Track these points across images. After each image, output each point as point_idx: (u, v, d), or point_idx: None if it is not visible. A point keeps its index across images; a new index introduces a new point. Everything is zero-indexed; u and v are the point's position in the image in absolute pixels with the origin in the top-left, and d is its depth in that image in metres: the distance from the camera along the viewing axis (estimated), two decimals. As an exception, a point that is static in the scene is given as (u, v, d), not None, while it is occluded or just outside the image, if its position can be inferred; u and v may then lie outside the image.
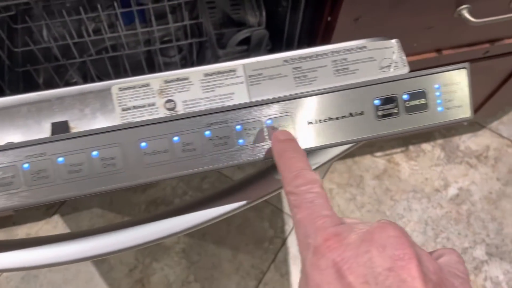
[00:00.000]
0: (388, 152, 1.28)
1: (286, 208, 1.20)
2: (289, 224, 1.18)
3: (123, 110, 0.33)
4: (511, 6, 0.70)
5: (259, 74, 0.34)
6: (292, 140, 0.31)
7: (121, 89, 0.33)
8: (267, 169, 0.40)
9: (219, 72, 0.34)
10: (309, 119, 0.33)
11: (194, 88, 0.33)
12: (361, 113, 0.33)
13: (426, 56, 0.80)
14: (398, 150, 1.28)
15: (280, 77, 0.34)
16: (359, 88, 0.33)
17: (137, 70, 0.92)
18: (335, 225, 0.24)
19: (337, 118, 0.33)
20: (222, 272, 1.13)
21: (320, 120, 0.33)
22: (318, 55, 0.35)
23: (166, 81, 0.33)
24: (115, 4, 0.82)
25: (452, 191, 1.23)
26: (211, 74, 0.34)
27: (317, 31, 0.71)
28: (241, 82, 0.34)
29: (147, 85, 0.33)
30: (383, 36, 0.70)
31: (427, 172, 1.25)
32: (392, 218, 1.18)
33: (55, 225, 1.15)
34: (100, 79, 0.99)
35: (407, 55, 0.79)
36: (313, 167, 0.38)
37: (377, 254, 0.22)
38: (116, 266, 1.12)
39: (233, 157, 0.32)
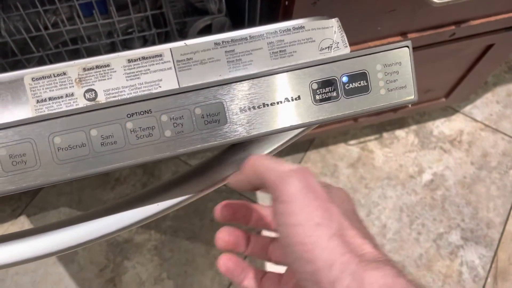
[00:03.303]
0: (362, 140, 1.27)
1: (260, 200, 1.18)
2: (263, 216, 1.15)
3: (38, 102, 0.30)
4: (474, -15, 0.68)
5: (189, 59, 0.31)
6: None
7: (34, 79, 0.30)
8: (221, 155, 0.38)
9: (143, 58, 0.31)
10: (242, 106, 0.30)
11: (117, 75, 0.31)
12: (298, 98, 0.31)
13: (391, 40, 0.78)
14: (372, 137, 1.27)
15: (212, 61, 0.32)
16: (295, 71, 0.31)
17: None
18: None
19: (272, 104, 0.30)
20: (196, 268, 1.10)
21: (254, 107, 0.30)
22: (252, 37, 0.32)
23: (85, 69, 0.30)
24: (73, -6, 0.78)
25: (427, 177, 1.22)
26: (135, 60, 0.31)
27: (277, 16, 0.68)
28: (169, 68, 0.31)
29: (64, 73, 0.30)
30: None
31: (401, 158, 1.24)
32: (367, 206, 1.17)
33: (22, 226, 1.11)
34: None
35: (372, 39, 0.78)
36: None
37: None
38: (86, 266, 1.08)
39: (160, 150, 0.29)
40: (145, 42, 0.98)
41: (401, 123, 1.28)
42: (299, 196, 0.27)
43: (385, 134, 1.27)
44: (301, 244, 0.26)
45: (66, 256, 1.09)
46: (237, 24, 0.87)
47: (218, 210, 0.37)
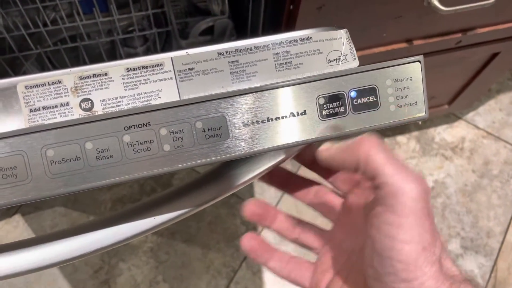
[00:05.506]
0: (362, 145, 1.25)
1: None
2: (261, 220, 1.14)
3: (31, 111, 0.29)
4: (482, -7, 0.67)
5: (191, 69, 0.30)
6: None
7: (27, 87, 0.28)
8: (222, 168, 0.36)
9: (143, 67, 0.30)
10: (245, 120, 0.29)
11: (115, 85, 0.29)
12: (304, 113, 0.29)
13: (396, 47, 0.76)
14: (373, 142, 1.25)
15: (215, 72, 0.30)
16: (301, 85, 0.29)
17: (98, 62, 0.88)
18: None
19: (277, 119, 0.29)
20: (192, 271, 1.09)
21: (257, 122, 0.29)
22: (257, 47, 0.31)
23: (81, 77, 0.29)
24: (73, -9, 0.77)
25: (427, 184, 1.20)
26: (134, 69, 0.29)
27: (281, 20, 0.67)
28: (170, 78, 0.30)
29: (59, 82, 0.29)
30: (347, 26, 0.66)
31: (402, 165, 1.23)
32: (367, 212, 1.16)
33: (16, 225, 1.10)
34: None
35: (376, 45, 0.76)
36: (249, 176, 0.34)
37: None
38: (80, 268, 1.07)
39: (158, 165, 0.28)
40: (146, 41, 0.96)
41: (402, 129, 1.27)
42: (415, 214, 0.26)
43: (386, 140, 1.26)
44: (404, 263, 0.26)
45: (61, 256, 1.07)
46: (240, 26, 0.86)
47: (247, 206, 0.38)
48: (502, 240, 1.15)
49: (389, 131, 1.26)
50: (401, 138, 1.26)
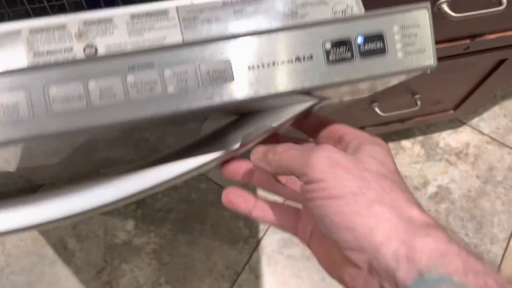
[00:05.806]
0: (367, 149, 1.24)
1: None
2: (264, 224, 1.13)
3: (35, 55, 0.28)
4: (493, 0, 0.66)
5: (195, 18, 0.30)
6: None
7: (32, 31, 0.28)
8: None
9: (148, 14, 0.29)
10: (250, 63, 0.28)
11: (119, 31, 0.29)
12: (310, 58, 0.29)
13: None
14: (377, 147, 1.25)
15: (219, 21, 0.30)
16: (308, 29, 0.29)
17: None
18: None
19: (283, 63, 0.29)
20: (195, 273, 1.07)
21: (263, 65, 0.29)
22: (262, -4, 0.31)
23: (86, 23, 0.29)
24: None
25: (431, 189, 1.19)
26: (139, 16, 0.29)
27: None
28: (174, 26, 0.30)
29: (63, 27, 0.29)
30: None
31: (406, 169, 1.22)
32: (371, 216, 1.14)
33: (18, 225, 1.09)
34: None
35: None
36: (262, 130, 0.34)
37: None
38: (82, 268, 1.06)
39: (162, 106, 0.28)
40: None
41: (407, 134, 1.27)
42: (329, 172, 0.27)
43: (390, 144, 1.25)
44: (339, 214, 0.26)
45: (63, 256, 1.06)
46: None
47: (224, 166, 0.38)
48: (506, 246, 1.14)
49: (393, 136, 1.26)
50: (405, 143, 1.26)
